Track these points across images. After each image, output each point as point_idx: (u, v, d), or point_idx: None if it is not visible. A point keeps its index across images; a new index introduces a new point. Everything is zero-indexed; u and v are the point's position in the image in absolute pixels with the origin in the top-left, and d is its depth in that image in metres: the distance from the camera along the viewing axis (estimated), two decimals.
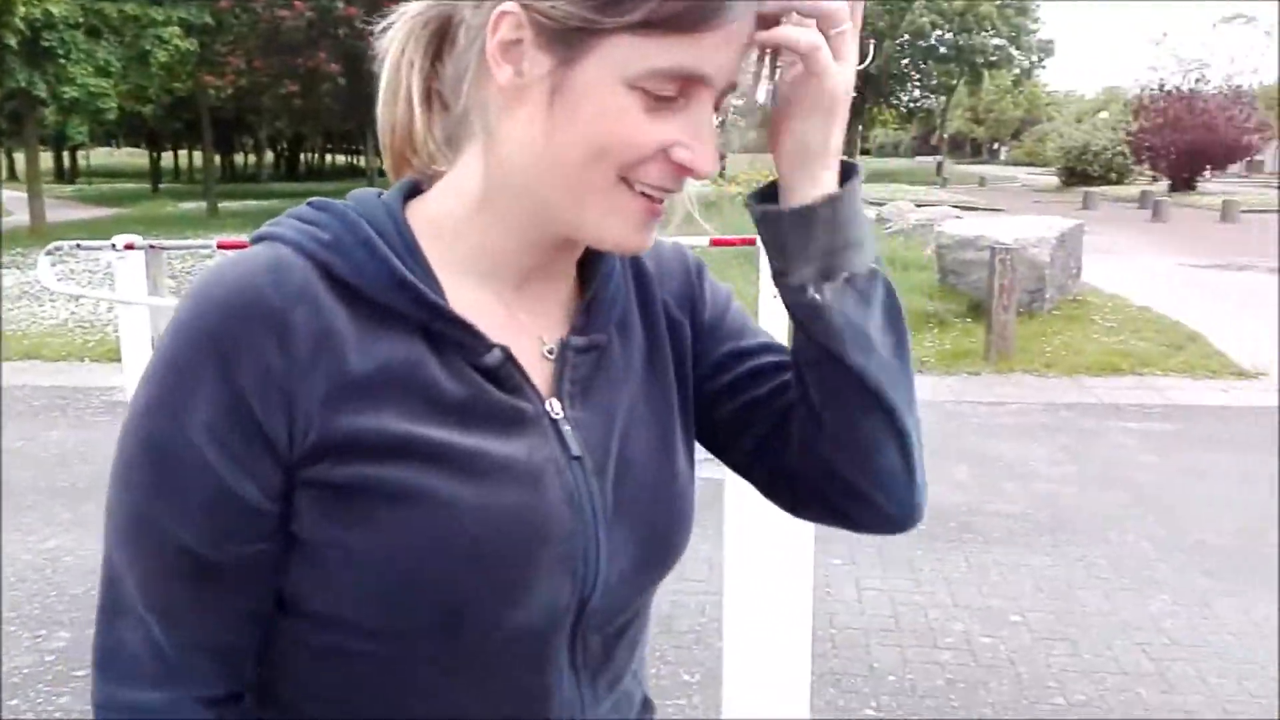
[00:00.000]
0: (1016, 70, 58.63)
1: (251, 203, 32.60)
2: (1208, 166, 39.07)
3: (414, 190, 0.80)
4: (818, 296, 0.75)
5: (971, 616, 3.81)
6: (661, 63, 0.67)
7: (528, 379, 0.76)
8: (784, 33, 0.71)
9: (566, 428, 0.76)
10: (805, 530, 2.39)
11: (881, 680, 3.37)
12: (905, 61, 55.62)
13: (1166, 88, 40.59)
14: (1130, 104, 43.89)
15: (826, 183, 0.75)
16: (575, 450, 0.76)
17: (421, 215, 0.76)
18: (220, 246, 9.31)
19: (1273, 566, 4.24)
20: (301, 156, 69.14)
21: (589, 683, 0.80)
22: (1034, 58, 57.78)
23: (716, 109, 0.73)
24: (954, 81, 56.83)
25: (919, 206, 19.42)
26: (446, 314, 0.72)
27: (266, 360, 0.67)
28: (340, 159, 77.36)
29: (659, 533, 0.82)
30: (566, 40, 0.68)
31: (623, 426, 0.80)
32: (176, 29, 21.71)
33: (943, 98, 59.95)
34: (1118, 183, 39.12)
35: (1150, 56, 76.03)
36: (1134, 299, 10.82)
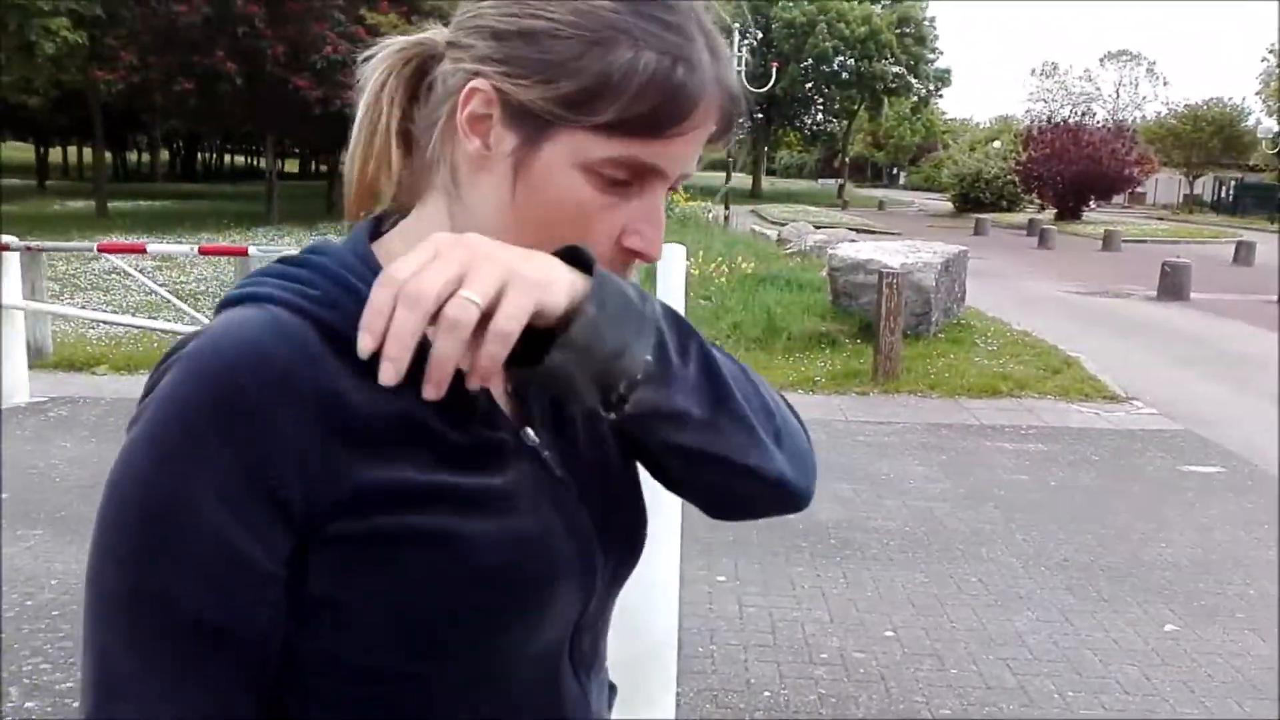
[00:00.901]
0: (915, 98, 60.37)
1: (144, 203, 31.57)
2: (1092, 197, 40.80)
3: (374, 232, 0.80)
4: (612, 415, 0.71)
5: (847, 632, 3.91)
6: (619, 154, 0.71)
7: (503, 414, 0.78)
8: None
9: (545, 454, 0.79)
10: (671, 549, 2.43)
11: (757, 695, 3.43)
12: (809, 85, 56.82)
13: (1054, 120, 42.33)
14: (1020, 135, 45.65)
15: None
16: (559, 474, 0.79)
17: (389, 262, 0.75)
18: (101, 250, 9.03)
19: (1131, 583, 4.45)
20: (199, 156, 67.25)
21: (585, 679, 0.84)
22: (931, 86, 59.65)
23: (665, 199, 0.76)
24: (855, 107, 58.25)
25: (818, 228, 19.88)
26: None
27: (277, 422, 0.66)
28: (240, 159, 75.46)
29: (632, 535, 0.87)
30: (533, 123, 0.71)
31: (585, 442, 0.83)
32: (65, 20, 20.93)
33: (845, 122, 61.36)
34: (1008, 210, 40.65)
35: (1040, 88, 78.84)
36: (1015, 324, 11.24)
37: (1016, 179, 40.79)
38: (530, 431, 0.79)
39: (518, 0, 0.72)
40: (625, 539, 0.86)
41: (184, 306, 8.63)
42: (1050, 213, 39.27)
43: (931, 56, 57.48)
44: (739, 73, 0.80)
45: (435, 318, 0.62)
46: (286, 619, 0.70)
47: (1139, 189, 54.65)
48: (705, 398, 0.76)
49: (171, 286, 12.18)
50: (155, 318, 9.69)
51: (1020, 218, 36.59)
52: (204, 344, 0.68)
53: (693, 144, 0.73)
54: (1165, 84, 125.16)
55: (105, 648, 0.68)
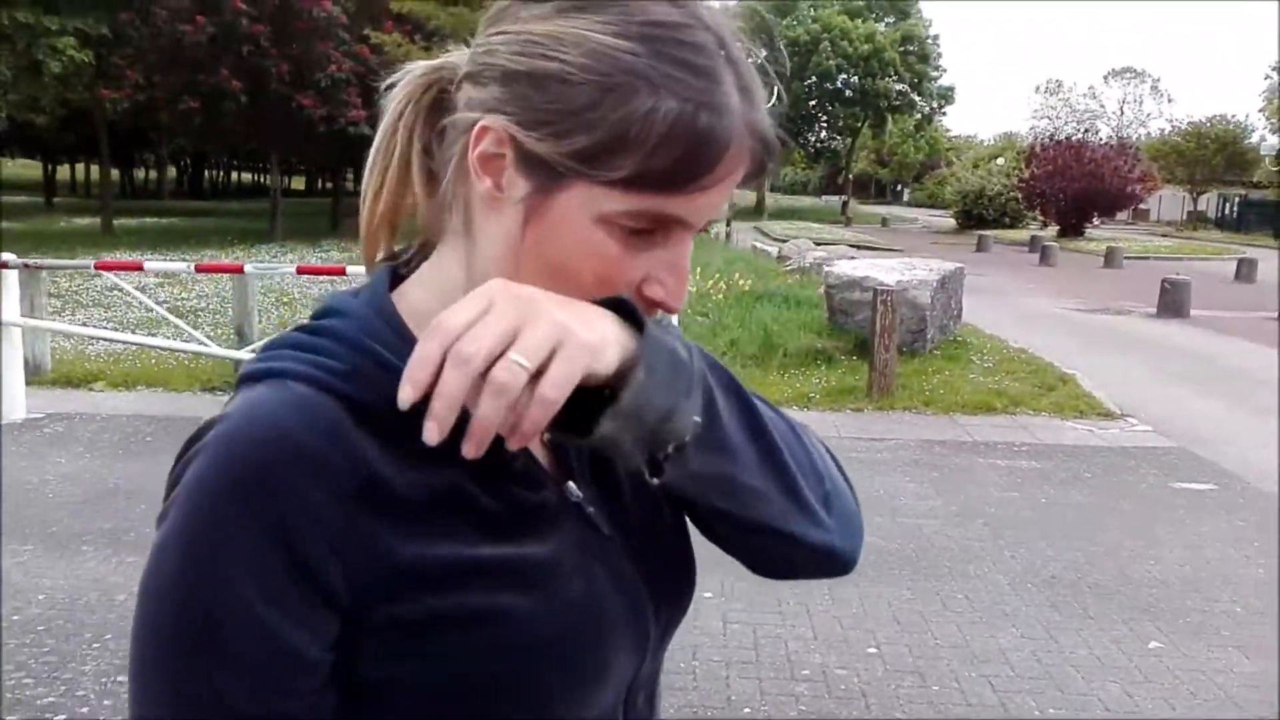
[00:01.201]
0: (918, 115, 60.51)
1: (150, 220, 31.74)
2: (1095, 213, 40.82)
3: (393, 278, 0.77)
4: (656, 480, 0.68)
5: (830, 649, 3.92)
6: (639, 208, 0.67)
7: (543, 469, 0.75)
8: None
9: (590, 509, 0.76)
10: None
11: (737, 712, 3.44)
12: (813, 103, 57.03)
13: (1057, 137, 42.37)
14: (1023, 152, 45.72)
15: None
16: (606, 531, 0.77)
17: (414, 315, 0.73)
18: (99, 267, 9.05)
19: (1117, 600, 4.45)
20: (206, 173, 67.58)
21: None
22: (935, 103, 59.77)
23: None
24: (859, 124, 58.39)
25: (818, 245, 19.92)
26: None
27: (313, 508, 0.64)
28: (247, 177, 75.81)
29: (681, 587, 0.85)
30: (546, 172, 0.67)
31: (629, 492, 0.80)
32: (72, 39, 21.09)
33: (848, 139, 61.51)
34: (1011, 226, 40.67)
35: (1044, 105, 79.01)
36: (1012, 340, 11.24)
37: (1019, 196, 40.84)
38: (573, 486, 0.75)
39: (530, 38, 0.67)
40: (675, 591, 0.84)
41: (181, 324, 8.70)
42: (1053, 229, 39.29)
43: (935, 74, 57.62)
44: (775, 101, 0.73)
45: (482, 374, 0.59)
46: (338, 701, 0.68)
47: (1143, 206, 54.63)
48: (753, 461, 0.74)
49: (172, 303, 12.26)
50: (155, 334, 9.75)
51: (1023, 234, 36.61)
52: (227, 431, 0.65)
53: (720, 194, 0.69)
54: (1169, 101, 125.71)
55: None
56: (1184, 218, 62.42)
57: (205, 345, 7.90)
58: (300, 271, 8.94)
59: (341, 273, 8.11)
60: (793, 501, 0.76)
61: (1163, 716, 3.49)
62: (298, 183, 73.44)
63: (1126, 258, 27.05)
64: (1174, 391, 9.35)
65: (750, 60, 0.71)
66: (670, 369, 0.65)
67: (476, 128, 0.68)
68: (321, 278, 13.65)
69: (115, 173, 56.02)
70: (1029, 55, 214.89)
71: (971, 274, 11.76)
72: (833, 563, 0.82)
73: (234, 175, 75.97)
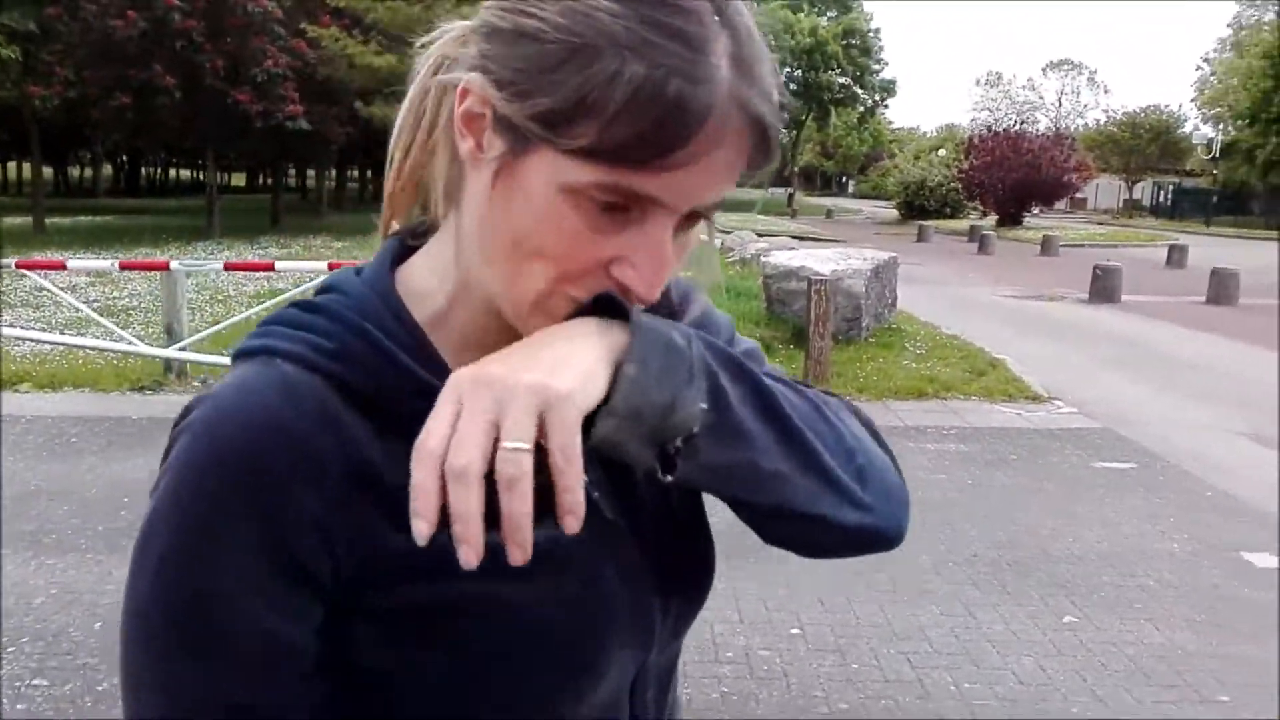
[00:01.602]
0: (862, 108, 61.15)
1: (84, 218, 31.05)
2: (1033, 203, 41.53)
3: (399, 256, 0.74)
4: (669, 478, 0.64)
5: (754, 631, 3.97)
6: (605, 180, 0.61)
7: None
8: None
9: (595, 494, 0.71)
10: None
11: None
12: None
13: (995, 128, 43.01)
14: (962, 143, 46.40)
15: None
16: (610, 516, 0.74)
17: (413, 294, 0.71)
18: (20, 266, 8.83)
19: (1036, 577, 4.56)
20: (143, 171, 66.31)
21: None
22: (877, 96, 60.50)
23: (686, 229, 0.66)
24: (803, 117, 58.86)
25: (760, 236, 20.06)
26: None
27: (299, 496, 0.62)
28: (185, 174, 74.49)
29: (695, 578, 0.82)
30: (515, 135, 0.63)
31: (641, 478, 0.75)
32: None
33: (794, 132, 61.96)
34: (952, 217, 41.24)
35: (985, 97, 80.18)
36: (946, 328, 11.43)
37: (959, 186, 41.43)
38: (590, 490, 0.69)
39: None
40: (688, 581, 0.81)
41: (108, 323, 8.54)
42: (992, 219, 39.93)
43: (876, 67, 58.39)
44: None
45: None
46: (335, 689, 0.67)
47: (1080, 195, 55.68)
48: (770, 445, 0.69)
49: (104, 302, 12.03)
50: (84, 334, 9.56)
51: (963, 224, 37.14)
52: (213, 412, 0.64)
53: (703, 175, 0.62)
54: (1106, 92, 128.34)
55: None
56: (1120, 206, 63.83)
57: (133, 345, 7.77)
58: (228, 268, 8.81)
59: (271, 268, 8.02)
60: (820, 482, 0.72)
61: (1074, 688, 3.59)
62: (238, 179, 72.32)
63: (1062, 246, 27.58)
64: (1102, 375, 9.57)
65: (762, 38, 0.65)
66: (665, 359, 0.62)
67: (460, 86, 0.66)
68: (257, 274, 13.50)
69: (49, 171, 54.74)
70: (970, 48, 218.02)
71: (911, 263, 11.95)
72: (873, 539, 0.78)
73: (172, 173, 74.63)
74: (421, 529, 0.55)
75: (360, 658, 0.67)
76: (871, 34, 57.54)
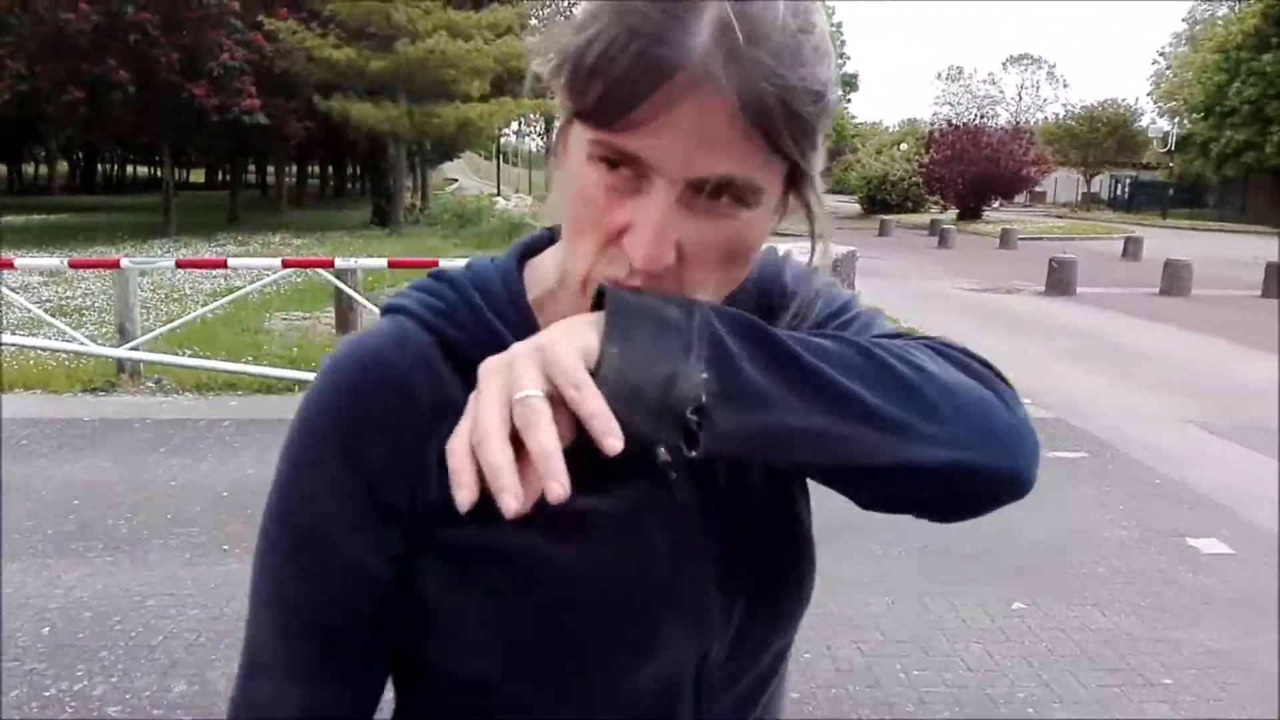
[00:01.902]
0: None
1: (38, 216, 30.52)
2: (993, 196, 41.95)
3: (537, 246, 0.81)
4: (694, 453, 0.62)
5: None
6: (597, 137, 0.64)
7: None
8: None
9: (673, 474, 0.72)
10: None
11: None
12: None
13: (956, 122, 43.38)
14: (923, 138, 46.76)
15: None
16: (680, 498, 0.75)
17: (537, 278, 0.78)
18: None
19: (986, 564, 4.63)
20: (99, 167, 65.30)
21: None
22: (840, 91, 60.71)
23: (692, 202, 0.65)
24: None
25: None
26: None
27: (393, 429, 0.71)
28: (142, 170, 73.51)
29: (772, 586, 0.80)
30: (564, 112, 0.67)
31: (724, 466, 0.77)
32: None
33: None
34: (913, 211, 41.56)
35: (946, 92, 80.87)
36: (905, 320, 11.54)
37: (920, 181, 41.75)
38: (663, 451, 0.65)
39: None
40: (765, 575, 0.80)
41: (59, 323, 8.41)
42: (952, 213, 40.28)
43: (839, 62, 58.49)
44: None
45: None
46: (402, 623, 0.75)
47: (1039, 188, 56.37)
48: (796, 403, 0.65)
49: (56, 302, 11.86)
50: (35, 334, 9.42)
51: (923, 218, 37.48)
52: (338, 353, 0.74)
53: (682, 136, 0.62)
54: (1065, 86, 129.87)
55: (252, 636, 0.77)
56: (1078, 199, 64.61)
57: (84, 345, 7.66)
58: (180, 265, 8.70)
59: (224, 265, 7.93)
60: (873, 428, 0.67)
61: (1020, 673, 3.65)
62: (197, 176, 71.42)
63: (1021, 239, 27.90)
64: (1056, 365, 9.69)
65: (790, 20, 0.64)
66: (655, 331, 0.61)
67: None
68: (213, 272, 13.35)
69: (1, 168, 53.76)
70: (931, 43, 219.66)
71: (872, 257, 12.06)
72: (983, 480, 0.72)
73: (129, 169, 73.58)
74: (464, 496, 0.56)
75: (426, 593, 0.73)
76: (834, 29, 57.84)
